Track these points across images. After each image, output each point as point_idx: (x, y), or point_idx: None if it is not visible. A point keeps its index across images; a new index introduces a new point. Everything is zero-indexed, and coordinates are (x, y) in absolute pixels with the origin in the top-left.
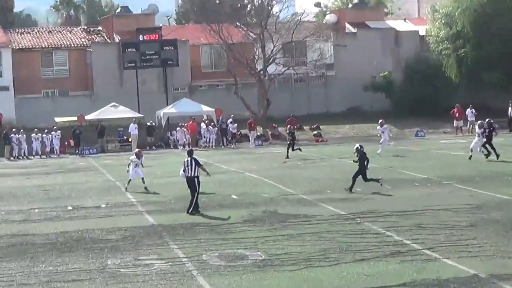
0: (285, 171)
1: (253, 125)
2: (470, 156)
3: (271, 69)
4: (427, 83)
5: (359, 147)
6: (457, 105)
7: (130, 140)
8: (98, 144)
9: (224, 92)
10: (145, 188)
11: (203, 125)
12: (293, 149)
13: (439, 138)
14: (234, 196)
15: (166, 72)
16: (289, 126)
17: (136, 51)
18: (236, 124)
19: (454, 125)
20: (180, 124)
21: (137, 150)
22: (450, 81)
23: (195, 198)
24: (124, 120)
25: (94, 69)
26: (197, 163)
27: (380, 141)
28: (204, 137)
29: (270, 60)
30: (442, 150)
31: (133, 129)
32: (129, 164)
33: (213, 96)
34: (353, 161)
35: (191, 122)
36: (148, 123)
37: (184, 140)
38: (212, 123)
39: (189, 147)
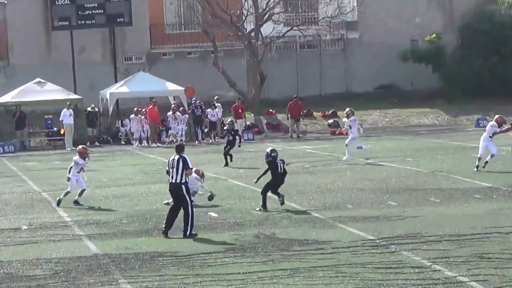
0: (287, 178)
1: (240, 110)
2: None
3: (267, 29)
4: (492, 49)
5: (269, 152)
6: None
7: (62, 132)
8: (17, 139)
9: (199, 63)
10: (76, 202)
11: (170, 113)
12: (227, 154)
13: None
14: (212, 214)
15: (114, 34)
16: (230, 121)
17: (70, 3)
18: (217, 109)
19: None
20: (135, 109)
21: (81, 147)
22: None
23: (190, 214)
24: (54, 103)
25: (10, 29)
26: (185, 165)
27: (347, 141)
28: (170, 128)
29: (266, 17)
30: None
31: (66, 116)
32: (70, 168)
33: (182, 69)
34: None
35: (151, 106)
36: (89, 108)
37: (141, 132)
38: (182, 108)
39: (147, 142)
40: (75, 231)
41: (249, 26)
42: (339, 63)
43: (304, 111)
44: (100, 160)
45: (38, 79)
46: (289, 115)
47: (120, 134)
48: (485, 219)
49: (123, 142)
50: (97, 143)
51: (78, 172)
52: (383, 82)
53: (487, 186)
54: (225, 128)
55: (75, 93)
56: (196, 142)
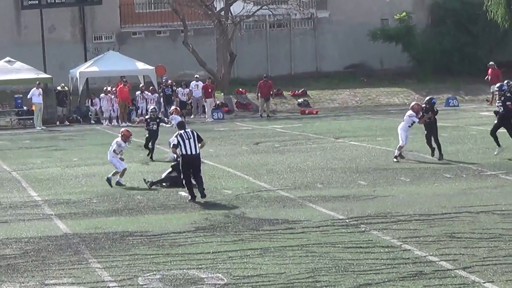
0: (257, 157)
1: (210, 90)
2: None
3: (237, 8)
4: (462, 29)
5: None
6: (490, 63)
7: (34, 108)
8: None
9: (169, 42)
10: (118, 183)
11: (138, 92)
12: (147, 146)
13: (479, 108)
14: (182, 193)
15: (84, 13)
16: (152, 108)
17: None
18: (188, 90)
19: (490, 90)
20: (105, 88)
21: (125, 130)
22: (495, 27)
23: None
24: (24, 82)
25: None
26: (199, 137)
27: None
28: (139, 108)
29: None
30: (483, 126)
31: (36, 95)
32: (113, 150)
33: (152, 48)
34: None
35: (121, 85)
36: (59, 88)
37: (111, 111)
38: (151, 87)
39: (117, 121)
40: (45, 211)
41: (219, 5)
42: (309, 42)
43: (274, 90)
44: (70, 140)
45: (7, 58)
46: (259, 94)
47: (90, 113)
48: (455, 199)
49: (93, 122)
50: (67, 123)
51: (117, 154)
52: (353, 62)
53: (458, 166)
54: (146, 117)
55: (45, 72)
56: (167, 121)
